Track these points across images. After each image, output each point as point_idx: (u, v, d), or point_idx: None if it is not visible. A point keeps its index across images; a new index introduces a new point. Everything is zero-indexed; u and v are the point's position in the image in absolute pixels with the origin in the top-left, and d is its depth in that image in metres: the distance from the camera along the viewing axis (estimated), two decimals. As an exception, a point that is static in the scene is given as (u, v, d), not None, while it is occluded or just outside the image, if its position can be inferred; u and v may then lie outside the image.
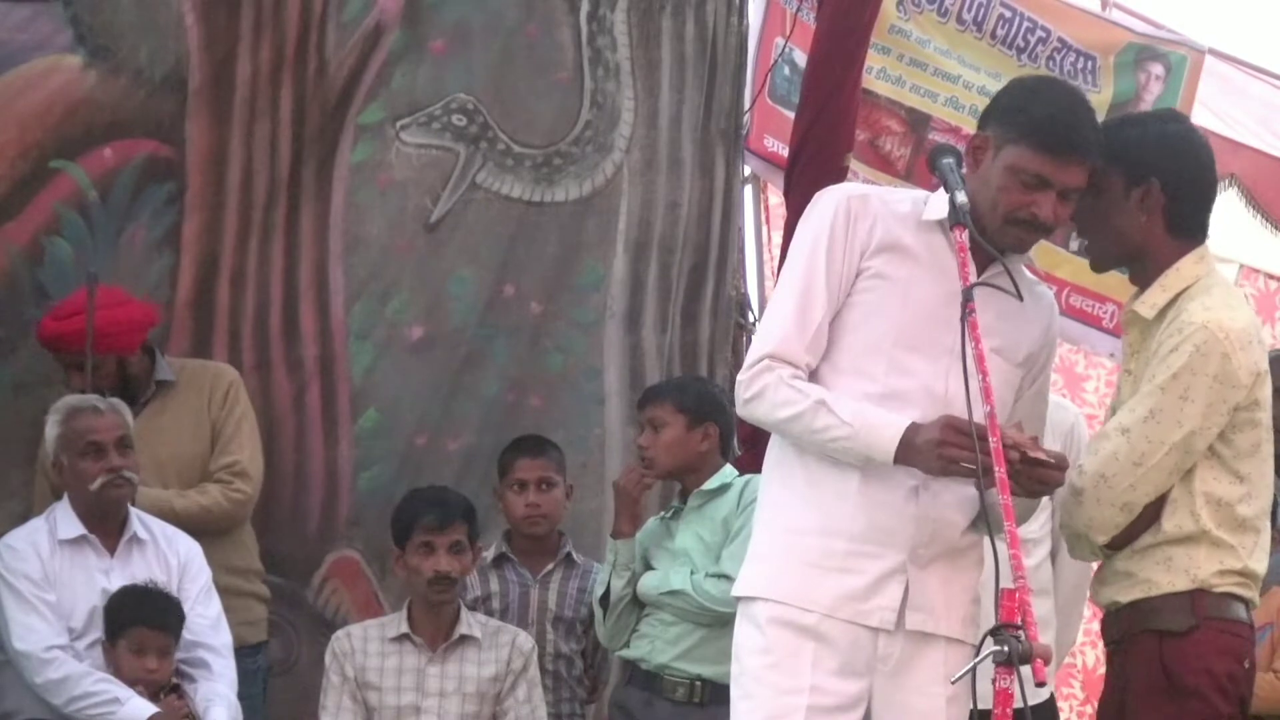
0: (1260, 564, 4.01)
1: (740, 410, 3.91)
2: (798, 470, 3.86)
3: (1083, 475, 3.95)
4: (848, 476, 3.77)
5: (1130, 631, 4.00)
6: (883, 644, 3.77)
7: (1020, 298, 3.82)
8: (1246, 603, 3.99)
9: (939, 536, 3.79)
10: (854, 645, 3.77)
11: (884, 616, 3.77)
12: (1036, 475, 3.68)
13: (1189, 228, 4.04)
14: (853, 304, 3.84)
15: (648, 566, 5.36)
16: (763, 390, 3.82)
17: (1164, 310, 3.98)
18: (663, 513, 5.49)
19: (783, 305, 3.88)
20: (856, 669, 3.77)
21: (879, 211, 3.85)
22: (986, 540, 3.67)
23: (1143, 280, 4.06)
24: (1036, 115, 3.79)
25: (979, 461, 3.57)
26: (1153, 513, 3.96)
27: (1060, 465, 3.72)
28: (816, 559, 3.79)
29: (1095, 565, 4.24)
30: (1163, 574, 3.95)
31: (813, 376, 3.85)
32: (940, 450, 3.65)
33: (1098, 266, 4.13)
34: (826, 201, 3.90)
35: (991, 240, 3.79)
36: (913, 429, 3.70)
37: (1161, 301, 3.99)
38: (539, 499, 5.62)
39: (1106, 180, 3.94)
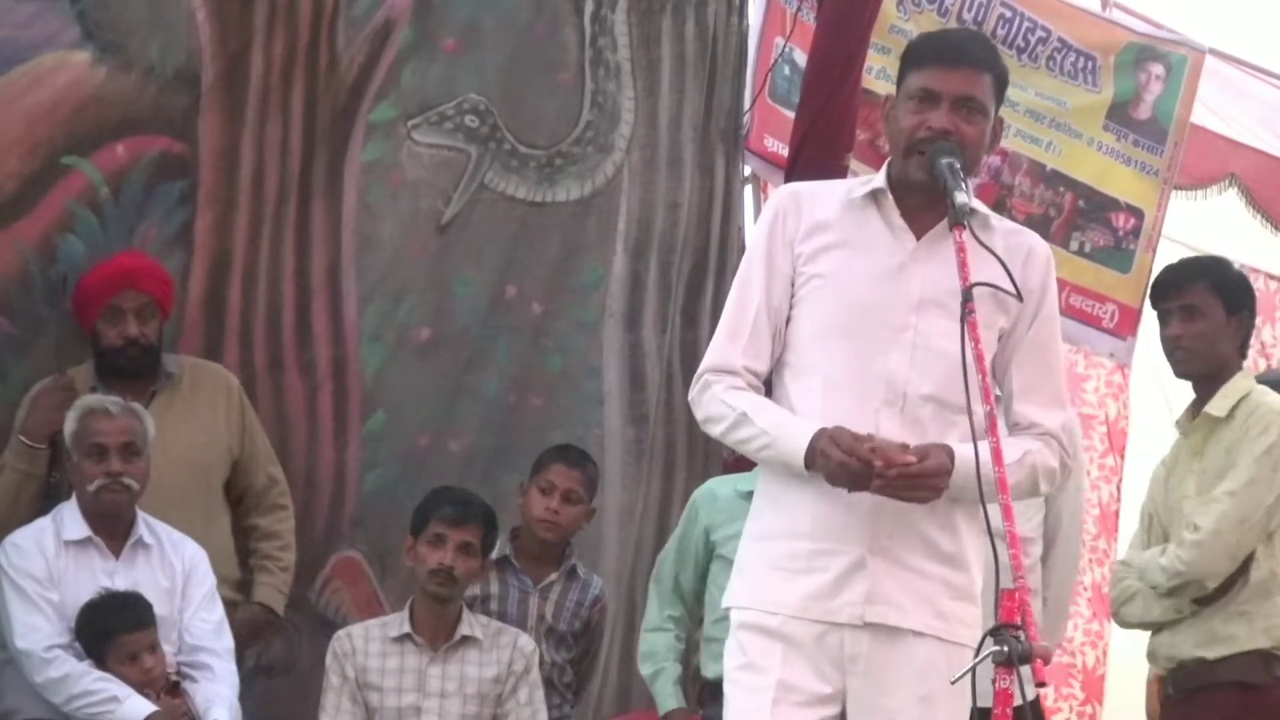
0: None
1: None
2: (767, 476, 3.89)
3: (1199, 531, 4.78)
4: (803, 476, 3.76)
5: (1214, 682, 4.80)
6: (849, 642, 3.75)
7: (1020, 298, 3.76)
8: None
9: (904, 527, 3.75)
10: (821, 644, 3.75)
11: (851, 612, 3.75)
12: (915, 486, 3.66)
13: (1245, 351, 5.04)
14: (796, 301, 3.85)
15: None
16: (700, 406, 3.87)
17: (1233, 411, 4.87)
18: None
19: (723, 316, 3.92)
20: (827, 669, 3.76)
21: (805, 203, 3.87)
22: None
23: (1206, 391, 4.95)
24: (915, 43, 3.96)
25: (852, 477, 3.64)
26: (1240, 569, 4.81)
27: (935, 472, 3.66)
28: (783, 562, 3.79)
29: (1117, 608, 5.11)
30: (1244, 628, 4.78)
31: (776, 380, 3.87)
32: (823, 465, 3.66)
33: (1184, 374, 5.02)
34: (765, 206, 3.96)
35: (906, 178, 3.80)
36: (817, 437, 3.69)
37: (1229, 405, 4.87)
38: (560, 508, 5.60)
39: (1211, 308, 4.90)
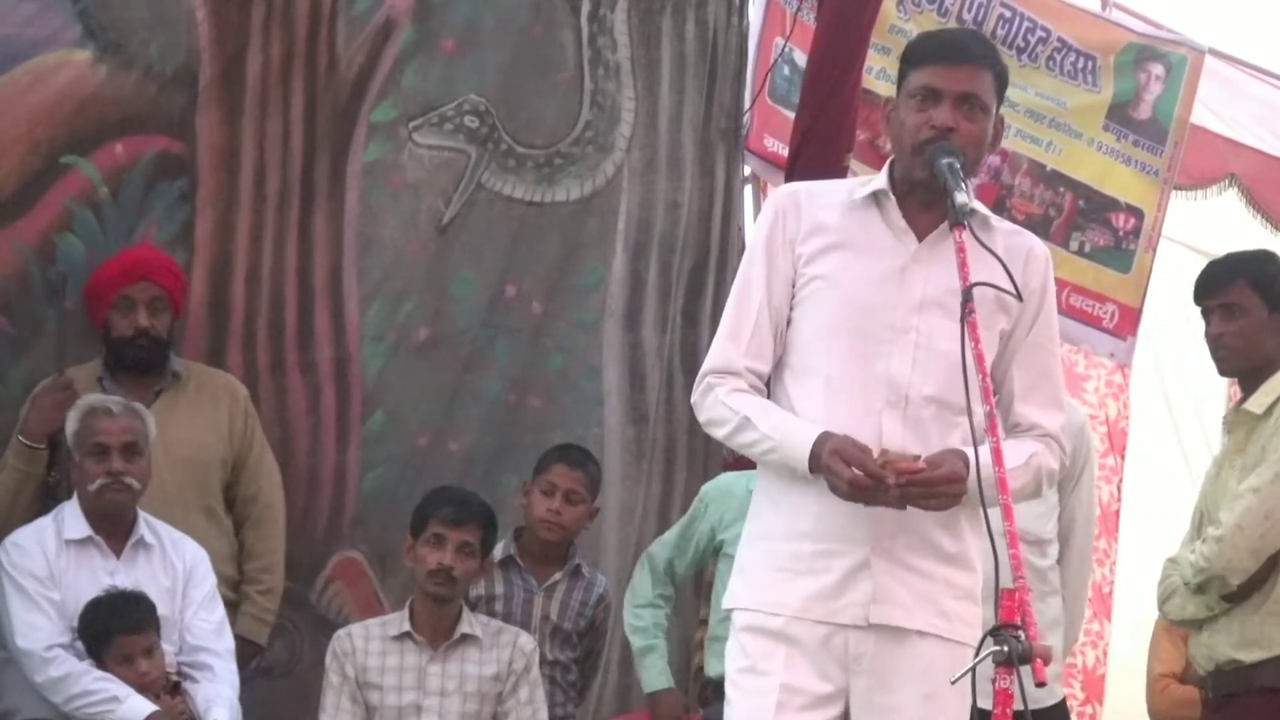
0: None
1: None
2: (768, 476, 3.88)
3: (1221, 526, 4.71)
4: (807, 478, 3.75)
5: (1252, 686, 4.72)
6: (854, 642, 3.75)
7: (1020, 298, 3.76)
8: None
9: (907, 527, 3.74)
10: (825, 645, 3.75)
11: (855, 613, 3.74)
12: (931, 495, 3.66)
13: None
14: (797, 303, 3.85)
15: None
16: (703, 409, 3.87)
17: (1270, 408, 4.81)
18: None
19: (724, 317, 3.92)
20: (830, 669, 3.75)
21: (804, 203, 3.87)
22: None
23: (1251, 388, 4.89)
24: (915, 42, 3.95)
25: (848, 489, 3.63)
26: (1269, 566, 4.70)
27: (951, 478, 3.66)
28: (786, 563, 3.79)
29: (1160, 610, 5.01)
30: (1278, 630, 4.70)
31: (776, 381, 3.87)
32: (831, 481, 3.66)
33: (1227, 372, 5.03)
34: (764, 206, 3.95)
35: (911, 177, 3.79)
36: (820, 441, 3.69)
37: (1268, 401, 4.82)
38: (562, 508, 5.59)
39: (1252, 305, 4.85)
